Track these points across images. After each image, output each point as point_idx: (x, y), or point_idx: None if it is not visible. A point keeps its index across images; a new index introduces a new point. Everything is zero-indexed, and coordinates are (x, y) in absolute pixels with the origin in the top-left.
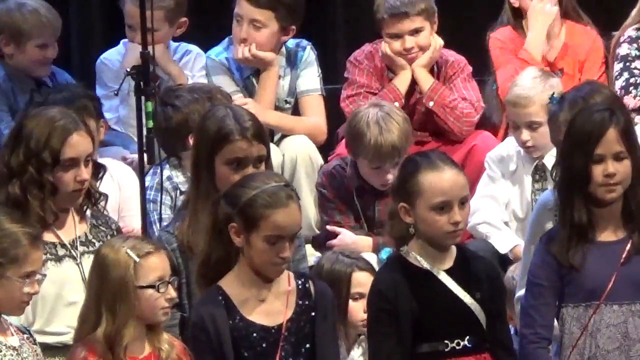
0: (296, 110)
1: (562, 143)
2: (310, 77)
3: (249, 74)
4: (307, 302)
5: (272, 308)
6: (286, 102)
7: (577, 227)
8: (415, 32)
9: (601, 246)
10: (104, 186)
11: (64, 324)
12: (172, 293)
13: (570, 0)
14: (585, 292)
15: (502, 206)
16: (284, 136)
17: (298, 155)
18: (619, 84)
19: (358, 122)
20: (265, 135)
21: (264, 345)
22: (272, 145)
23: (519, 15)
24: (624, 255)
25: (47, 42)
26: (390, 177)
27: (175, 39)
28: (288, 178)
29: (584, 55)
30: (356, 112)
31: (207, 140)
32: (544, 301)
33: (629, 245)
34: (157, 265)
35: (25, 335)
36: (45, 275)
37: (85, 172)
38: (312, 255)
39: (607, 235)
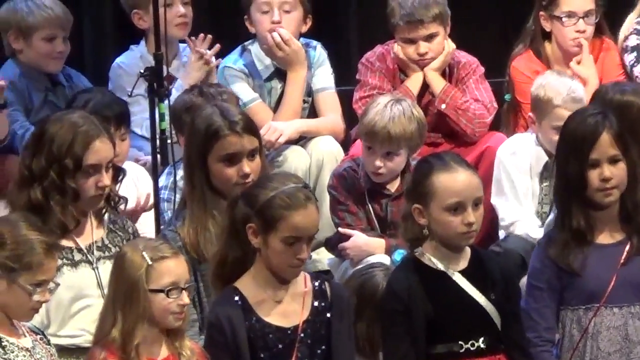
0: (312, 107)
1: (557, 148)
2: (324, 75)
3: (268, 75)
4: (323, 304)
5: (288, 309)
6: (304, 101)
7: (575, 231)
8: (430, 37)
9: (600, 249)
10: (122, 187)
11: (77, 327)
12: (185, 299)
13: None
14: (585, 295)
15: (525, 199)
16: (309, 137)
17: (324, 156)
18: (637, 70)
19: (369, 105)
20: (255, 127)
21: (280, 346)
22: (298, 147)
23: (542, 37)
24: (623, 257)
25: (53, 34)
26: (379, 164)
27: (184, 41)
28: (314, 179)
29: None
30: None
31: (197, 140)
32: (545, 304)
33: (627, 247)
34: (170, 270)
35: (39, 336)
36: (58, 284)
37: (107, 178)
38: (325, 257)
39: (605, 238)
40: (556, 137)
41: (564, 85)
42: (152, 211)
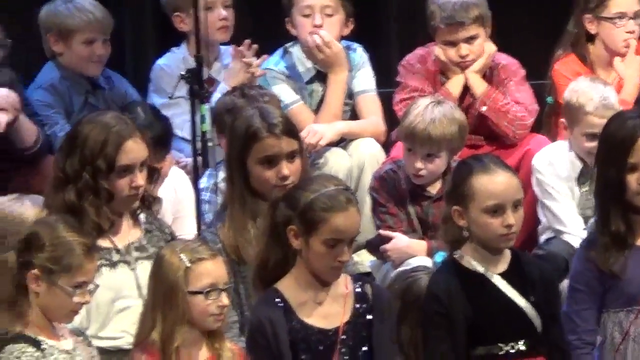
0: (352, 110)
1: (597, 152)
2: (365, 78)
3: (310, 78)
4: (364, 305)
5: (329, 311)
6: (345, 103)
7: (615, 234)
8: (470, 39)
9: None
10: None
11: (117, 329)
12: (224, 301)
13: None
14: (626, 297)
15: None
16: (350, 139)
17: (366, 158)
18: None
19: (409, 107)
20: (295, 129)
21: (321, 348)
22: (339, 149)
23: (585, 39)
24: None
25: (93, 37)
26: (420, 166)
27: (225, 44)
28: (355, 181)
29: None
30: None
31: (237, 142)
32: (586, 306)
33: None
34: (209, 271)
35: (80, 338)
36: (98, 286)
37: (140, 178)
38: (366, 259)
39: None
40: (587, 144)
41: (597, 92)
42: (194, 214)
